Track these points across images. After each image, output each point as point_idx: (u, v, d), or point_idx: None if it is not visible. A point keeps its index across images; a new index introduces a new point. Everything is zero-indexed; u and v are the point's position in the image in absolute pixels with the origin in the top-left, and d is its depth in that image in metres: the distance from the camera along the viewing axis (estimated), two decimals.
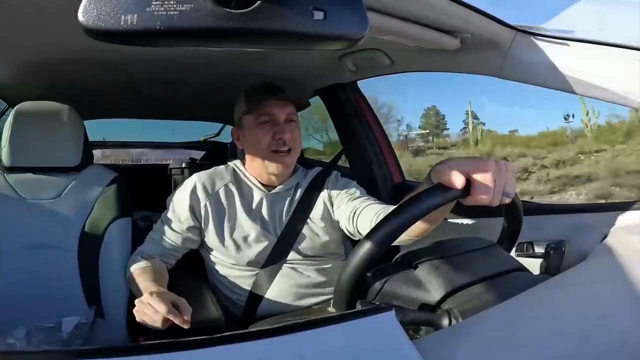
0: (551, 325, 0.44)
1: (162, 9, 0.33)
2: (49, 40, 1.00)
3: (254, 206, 1.04)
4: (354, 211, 0.98)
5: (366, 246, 0.55)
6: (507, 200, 0.59)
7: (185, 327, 0.74)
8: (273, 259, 1.01)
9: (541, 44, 0.79)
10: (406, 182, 1.50)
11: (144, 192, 1.44)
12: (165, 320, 0.73)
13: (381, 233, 0.55)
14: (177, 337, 0.38)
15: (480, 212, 1.08)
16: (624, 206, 0.80)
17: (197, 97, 1.74)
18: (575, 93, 0.78)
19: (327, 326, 0.41)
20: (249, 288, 1.02)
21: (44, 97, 1.16)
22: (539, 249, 0.89)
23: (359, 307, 0.53)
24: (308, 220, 1.04)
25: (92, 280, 1.08)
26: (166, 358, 0.35)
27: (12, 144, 1.08)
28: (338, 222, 1.05)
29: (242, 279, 1.03)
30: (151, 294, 0.76)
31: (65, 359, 0.39)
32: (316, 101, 1.56)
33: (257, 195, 1.05)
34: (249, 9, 0.34)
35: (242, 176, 1.07)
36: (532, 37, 0.80)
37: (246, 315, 1.02)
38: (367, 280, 0.58)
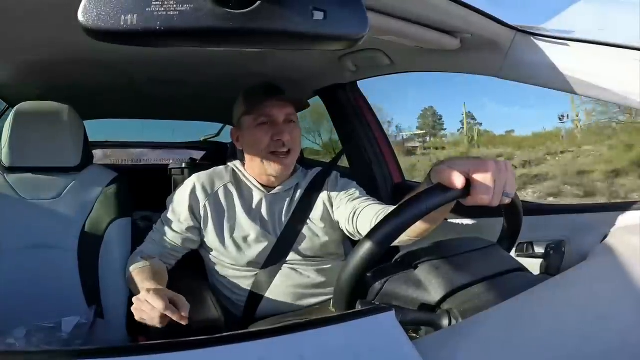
0: (551, 326, 0.44)
1: (162, 9, 0.33)
2: (49, 40, 1.00)
3: (253, 206, 1.04)
4: (353, 212, 0.98)
5: (366, 246, 0.55)
6: (507, 201, 0.59)
7: (183, 323, 0.73)
8: (273, 260, 1.01)
9: (541, 44, 0.79)
10: (406, 182, 1.51)
11: (143, 192, 1.44)
12: (163, 317, 0.73)
13: (381, 233, 0.55)
14: (177, 336, 0.38)
15: (480, 212, 1.08)
16: (624, 206, 0.80)
17: (197, 97, 1.74)
18: (575, 93, 0.78)
19: (327, 326, 0.41)
20: (248, 288, 1.02)
21: (44, 97, 1.16)
22: (539, 249, 0.89)
23: (358, 307, 0.53)
24: (308, 221, 1.04)
25: (92, 281, 1.08)
26: (166, 358, 0.35)
27: (12, 144, 1.08)
28: (338, 222, 1.05)
29: (242, 279, 1.03)
30: (148, 291, 0.76)
31: (65, 359, 0.39)
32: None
33: (257, 195, 1.05)
34: (249, 9, 0.34)
35: (241, 177, 1.07)
36: (532, 38, 0.80)
37: (246, 316, 1.02)
38: (367, 280, 0.58)
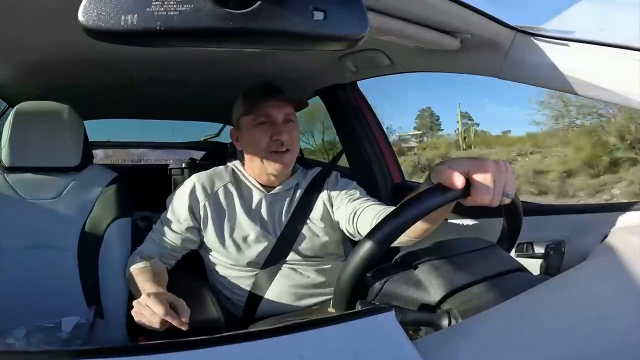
0: (551, 326, 0.44)
1: (162, 9, 0.33)
2: (49, 40, 1.00)
3: (253, 207, 1.04)
4: (354, 212, 0.98)
5: (366, 246, 0.55)
6: (507, 201, 0.59)
7: (183, 328, 0.73)
8: (273, 260, 1.01)
9: (541, 44, 0.79)
10: (406, 183, 1.51)
11: (143, 192, 1.44)
12: (163, 321, 0.73)
13: (381, 233, 0.55)
14: (176, 336, 0.38)
15: (480, 212, 1.08)
16: (624, 206, 0.80)
17: (197, 98, 1.74)
18: (575, 93, 0.78)
19: (327, 326, 0.41)
20: (248, 288, 1.02)
21: (44, 97, 1.16)
22: (539, 250, 0.89)
23: (358, 307, 0.53)
24: (308, 221, 1.04)
25: (92, 281, 1.08)
26: (166, 358, 0.35)
27: (12, 144, 1.08)
28: (338, 222, 1.05)
29: (242, 279, 1.03)
30: (149, 295, 0.76)
31: (65, 359, 0.39)
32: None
33: (257, 195, 1.05)
34: (249, 9, 0.34)
35: (241, 177, 1.07)
36: (532, 38, 0.80)
37: (246, 316, 1.02)
38: (367, 280, 0.58)
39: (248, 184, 1.06)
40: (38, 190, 1.11)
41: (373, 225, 0.57)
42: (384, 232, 0.55)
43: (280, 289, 1.00)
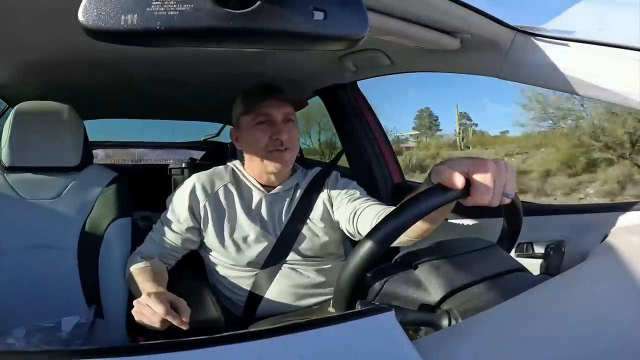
0: (551, 326, 0.44)
1: (162, 9, 0.33)
2: (49, 40, 1.00)
3: (253, 206, 1.04)
4: (354, 212, 0.98)
5: (366, 246, 0.55)
6: (507, 201, 0.59)
7: (184, 328, 0.73)
8: (273, 260, 1.01)
9: (541, 44, 0.79)
10: (406, 183, 1.51)
11: (143, 192, 1.44)
12: (164, 321, 0.73)
13: (381, 233, 0.55)
14: (176, 336, 0.38)
15: (480, 212, 1.08)
16: (625, 206, 0.80)
17: (197, 97, 1.74)
18: (575, 93, 0.78)
19: (327, 326, 0.41)
20: (248, 288, 1.02)
21: (44, 97, 1.16)
22: (539, 250, 0.89)
23: (358, 307, 0.53)
24: (308, 221, 1.04)
25: (92, 280, 1.08)
26: (166, 358, 0.35)
27: (12, 144, 1.08)
28: (338, 222, 1.05)
29: (242, 279, 1.03)
30: (149, 294, 0.76)
31: (65, 359, 0.39)
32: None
33: (257, 195, 1.05)
34: (249, 9, 0.34)
35: (241, 177, 1.07)
36: (532, 38, 0.80)
37: (246, 316, 1.02)
38: (367, 280, 0.58)
39: (248, 184, 1.06)
40: (38, 190, 1.11)
41: (373, 225, 0.57)
42: (384, 232, 0.55)
43: (280, 289, 1.00)
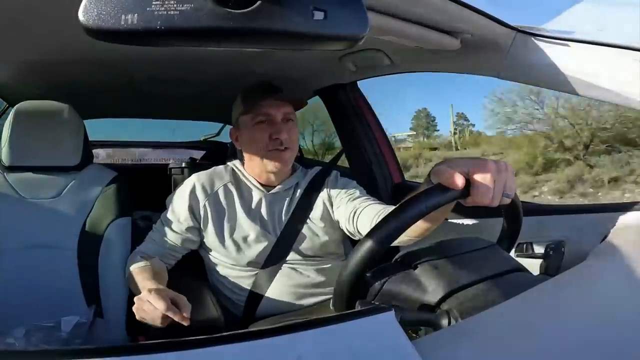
0: (551, 326, 0.44)
1: (163, 8, 0.33)
2: (49, 39, 1.00)
3: (253, 206, 1.04)
4: (354, 211, 0.98)
5: (366, 246, 0.55)
6: (507, 201, 0.59)
7: (185, 324, 0.73)
8: (273, 259, 1.01)
9: (541, 44, 0.79)
10: (406, 183, 1.51)
11: (143, 192, 1.44)
12: (165, 317, 0.73)
13: (381, 233, 0.55)
14: (176, 336, 0.38)
15: (480, 212, 1.08)
16: (624, 207, 0.80)
17: (197, 97, 1.74)
18: (575, 94, 0.78)
19: (327, 326, 0.41)
20: (248, 288, 1.02)
21: (44, 97, 1.16)
22: (539, 250, 0.89)
23: (358, 307, 0.53)
24: (307, 220, 1.04)
25: (92, 280, 1.08)
26: (165, 358, 0.35)
27: (12, 144, 1.08)
28: (338, 222, 1.05)
29: (242, 279, 1.03)
30: (150, 291, 0.76)
31: (65, 358, 0.39)
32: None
33: (256, 195, 1.05)
34: (249, 9, 0.34)
35: (241, 176, 1.07)
36: (532, 38, 0.80)
37: (246, 315, 1.02)
38: (366, 280, 0.58)
39: (248, 183, 1.06)
40: (38, 190, 1.11)
41: (373, 225, 0.57)
42: (384, 231, 0.55)
43: (280, 289, 1.00)
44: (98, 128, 2.26)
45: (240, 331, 0.40)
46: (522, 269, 0.63)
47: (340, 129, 1.56)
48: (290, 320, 0.94)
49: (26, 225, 1.08)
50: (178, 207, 1.03)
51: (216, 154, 2.20)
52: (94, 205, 1.13)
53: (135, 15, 0.33)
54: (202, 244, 1.05)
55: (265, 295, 1.00)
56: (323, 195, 1.07)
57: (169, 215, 1.04)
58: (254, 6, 0.34)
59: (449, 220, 1.15)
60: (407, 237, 0.77)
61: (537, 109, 10.12)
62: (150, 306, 0.74)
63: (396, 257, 0.62)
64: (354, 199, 1.01)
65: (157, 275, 0.92)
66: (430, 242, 0.65)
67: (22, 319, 0.94)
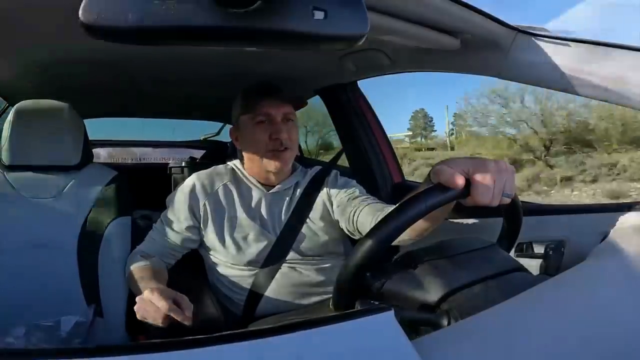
0: (550, 326, 0.44)
1: (163, 8, 0.33)
2: (49, 39, 1.00)
3: (253, 205, 1.04)
4: (353, 210, 0.98)
5: (366, 245, 0.55)
6: (507, 201, 0.59)
7: (187, 323, 0.73)
8: (272, 259, 1.01)
9: (542, 44, 0.79)
10: (406, 182, 1.51)
11: (143, 191, 1.44)
12: (166, 317, 0.73)
13: (381, 232, 0.55)
14: (176, 335, 0.38)
15: (480, 212, 1.08)
16: (624, 206, 0.80)
17: (197, 96, 1.74)
18: (576, 93, 0.78)
19: (326, 326, 0.41)
20: (248, 287, 1.02)
21: (44, 96, 1.16)
22: (539, 250, 0.89)
23: (358, 306, 0.53)
24: (307, 220, 1.04)
25: (92, 279, 1.08)
26: (165, 357, 0.35)
27: (12, 143, 1.08)
28: (337, 221, 1.05)
29: (242, 278, 1.03)
30: (152, 290, 0.76)
31: (65, 358, 0.39)
32: None
33: (256, 194, 1.05)
34: (250, 8, 0.34)
35: (241, 176, 1.07)
36: (532, 38, 0.80)
37: (246, 315, 1.02)
38: (366, 279, 0.58)
39: (248, 183, 1.06)
40: (38, 189, 1.11)
41: (373, 224, 0.57)
42: (384, 231, 0.55)
43: (280, 288, 1.00)
44: (98, 127, 2.26)
45: (240, 330, 0.40)
46: (522, 268, 0.63)
47: (341, 129, 1.56)
48: (290, 319, 0.94)
49: (26, 225, 1.08)
50: (178, 206, 1.03)
51: (216, 153, 2.20)
52: (94, 204, 1.12)
53: (136, 14, 0.33)
54: (202, 243, 1.05)
55: (265, 294, 1.00)
56: (323, 194, 1.07)
57: (169, 214, 1.04)
58: (254, 6, 0.34)
59: (449, 220, 1.15)
60: (407, 237, 0.77)
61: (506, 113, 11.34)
62: (153, 306, 0.74)
63: (396, 257, 0.63)
64: (354, 199, 1.01)
65: (157, 275, 0.92)
66: (430, 242, 0.65)
67: (21, 318, 0.94)
